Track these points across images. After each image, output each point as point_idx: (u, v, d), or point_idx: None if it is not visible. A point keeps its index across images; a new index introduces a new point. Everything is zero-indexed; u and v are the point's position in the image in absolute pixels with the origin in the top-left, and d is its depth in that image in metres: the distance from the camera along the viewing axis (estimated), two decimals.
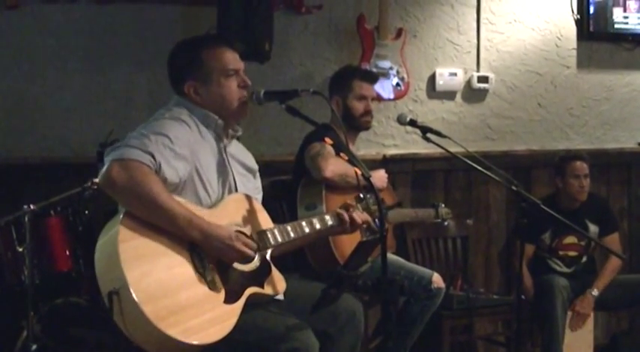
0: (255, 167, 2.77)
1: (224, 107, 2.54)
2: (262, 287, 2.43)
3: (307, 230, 2.62)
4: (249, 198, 2.59)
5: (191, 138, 2.44)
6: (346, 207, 2.75)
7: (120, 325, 2.14)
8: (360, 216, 2.72)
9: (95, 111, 3.92)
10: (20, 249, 3.16)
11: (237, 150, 2.70)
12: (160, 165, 2.27)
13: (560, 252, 4.26)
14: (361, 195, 2.79)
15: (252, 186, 2.69)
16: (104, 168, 2.25)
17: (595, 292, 4.11)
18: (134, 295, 2.09)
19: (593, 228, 4.27)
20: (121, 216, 2.22)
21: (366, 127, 3.72)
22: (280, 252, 2.63)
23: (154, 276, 2.16)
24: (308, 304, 2.45)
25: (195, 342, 2.14)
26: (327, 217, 2.70)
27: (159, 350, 2.15)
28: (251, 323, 2.32)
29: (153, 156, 2.25)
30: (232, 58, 2.58)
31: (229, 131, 2.62)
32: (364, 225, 2.78)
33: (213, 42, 2.61)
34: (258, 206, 2.63)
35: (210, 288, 2.27)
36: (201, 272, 2.27)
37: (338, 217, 2.71)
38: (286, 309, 2.50)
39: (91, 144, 3.60)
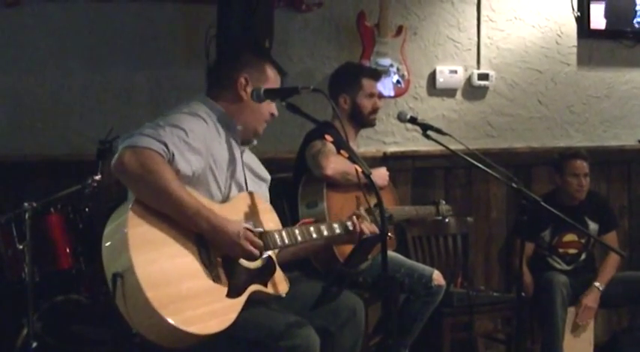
0: (268, 177, 2.79)
1: (251, 126, 2.63)
2: (265, 285, 2.44)
3: (315, 235, 2.61)
4: (259, 197, 2.61)
5: (207, 134, 2.45)
6: (356, 217, 2.73)
7: (121, 308, 2.15)
8: (368, 227, 2.70)
9: (95, 110, 3.92)
10: (20, 247, 3.16)
11: (250, 158, 2.73)
12: (172, 155, 2.28)
13: (560, 250, 4.26)
14: (372, 208, 2.78)
15: (262, 194, 2.71)
16: (116, 155, 2.27)
17: (601, 286, 4.10)
18: (138, 280, 2.09)
19: (593, 226, 4.27)
20: (131, 203, 2.24)
21: (373, 124, 3.76)
22: (285, 259, 2.63)
23: (160, 264, 2.18)
24: (309, 301, 2.46)
25: (193, 332, 2.14)
26: (336, 225, 2.69)
27: (157, 337, 2.15)
28: (252, 321, 2.32)
29: (166, 146, 2.26)
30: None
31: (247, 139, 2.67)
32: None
33: (276, 65, 2.71)
34: (268, 207, 2.65)
35: (213, 281, 2.27)
36: (206, 264, 2.28)
37: (347, 226, 2.69)
38: (287, 306, 2.50)
39: (90, 142, 3.61)
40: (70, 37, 3.87)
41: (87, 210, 3.40)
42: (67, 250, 3.29)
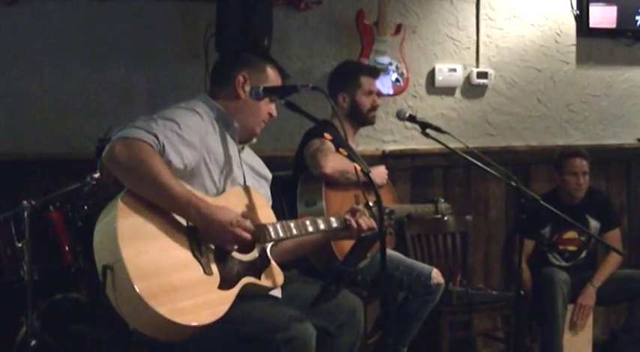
0: (269, 175, 2.78)
1: (249, 125, 2.62)
2: (259, 278, 2.43)
3: (311, 229, 2.60)
4: (254, 191, 2.60)
5: (202, 128, 2.45)
6: (353, 212, 2.73)
7: (111, 300, 2.15)
8: (366, 222, 2.69)
9: (94, 108, 3.92)
10: (19, 245, 3.16)
11: (250, 157, 2.73)
12: (163, 147, 2.28)
13: (560, 247, 4.26)
14: (370, 204, 2.78)
15: (262, 191, 2.70)
16: (107, 146, 2.27)
17: (596, 283, 4.10)
18: (128, 271, 2.09)
19: (594, 224, 4.27)
20: (122, 194, 2.24)
21: (372, 122, 3.77)
22: (283, 258, 2.62)
23: (150, 255, 2.17)
24: (307, 300, 2.45)
25: (184, 323, 2.13)
26: (333, 219, 2.69)
27: (149, 329, 2.15)
28: (249, 314, 2.32)
29: (157, 138, 2.27)
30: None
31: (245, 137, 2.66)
32: (368, 232, 2.76)
33: (277, 66, 2.71)
34: (263, 201, 2.63)
35: (205, 273, 2.26)
36: (197, 256, 2.28)
37: (344, 221, 2.68)
38: (285, 305, 2.49)
39: (89, 141, 3.61)
40: (69, 36, 3.87)
41: (86, 208, 3.40)
42: (66, 248, 3.29)
